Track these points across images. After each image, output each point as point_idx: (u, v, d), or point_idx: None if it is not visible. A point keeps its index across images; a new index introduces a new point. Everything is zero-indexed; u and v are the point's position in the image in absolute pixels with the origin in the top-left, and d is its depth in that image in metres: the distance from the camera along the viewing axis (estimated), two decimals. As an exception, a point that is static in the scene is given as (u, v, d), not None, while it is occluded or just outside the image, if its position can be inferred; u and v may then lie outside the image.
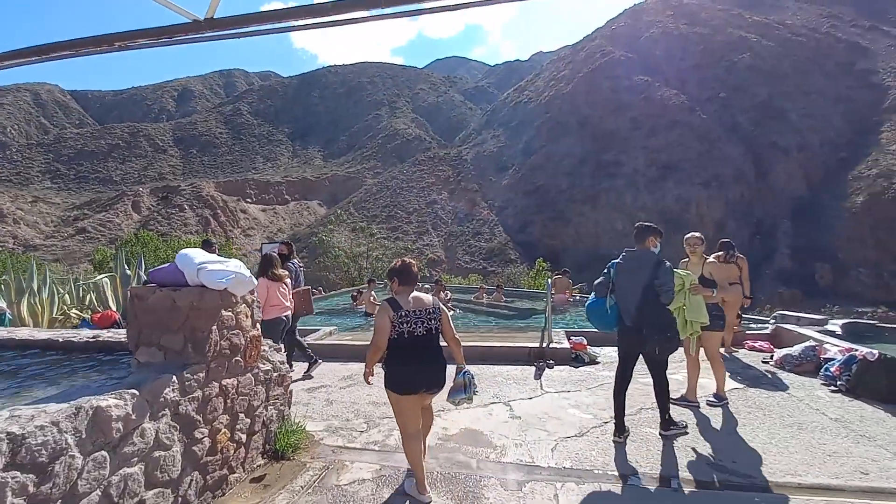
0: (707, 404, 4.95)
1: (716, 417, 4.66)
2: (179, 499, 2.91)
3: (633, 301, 4.04)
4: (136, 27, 3.99)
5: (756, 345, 7.22)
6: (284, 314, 6.01)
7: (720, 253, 6.30)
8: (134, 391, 2.62)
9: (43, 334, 4.57)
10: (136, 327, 3.23)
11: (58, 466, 2.20)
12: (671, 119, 78.94)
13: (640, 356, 4.19)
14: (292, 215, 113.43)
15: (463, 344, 7.17)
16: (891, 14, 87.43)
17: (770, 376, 5.94)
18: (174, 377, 2.92)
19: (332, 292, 20.80)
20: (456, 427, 4.50)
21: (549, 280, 8.90)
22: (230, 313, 3.44)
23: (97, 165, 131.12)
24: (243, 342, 3.57)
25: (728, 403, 4.94)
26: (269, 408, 3.95)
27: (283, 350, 4.46)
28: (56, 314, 8.36)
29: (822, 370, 5.73)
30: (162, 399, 2.81)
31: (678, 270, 4.38)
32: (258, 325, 3.83)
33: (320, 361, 6.66)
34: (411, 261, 3.42)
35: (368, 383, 3.40)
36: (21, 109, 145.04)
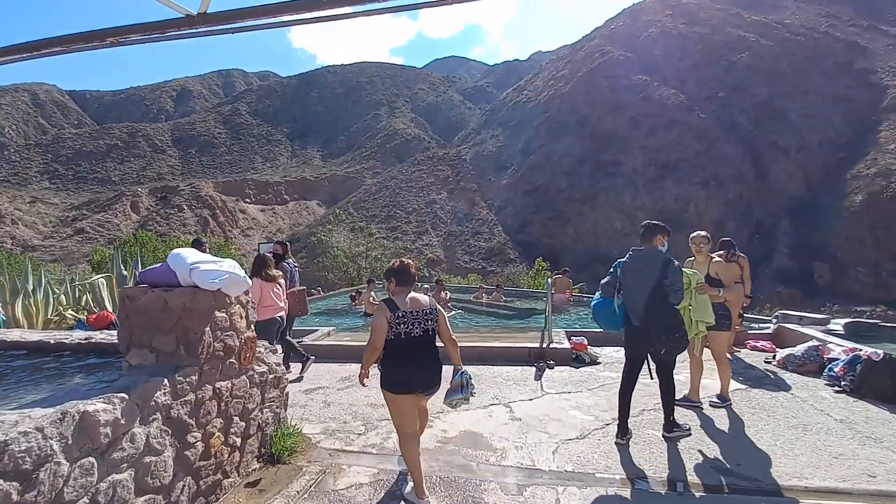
0: (710, 405, 4.88)
1: (719, 419, 4.59)
2: (171, 505, 2.84)
3: (640, 301, 3.97)
4: (129, 23, 3.91)
5: (758, 345, 7.16)
6: (279, 315, 5.94)
7: (721, 252, 6.23)
8: (123, 395, 2.54)
9: (34, 336, 4.49)
10: (127, 329, 3.15)
11: (43, 474, 2.12)
12: (670, 118, 78.94)
13: (648, 357, 4.12)
14: (291, 215, 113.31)
15: (462, 344, 7.11)
16: (889, 13, 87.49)
17: (773, 377, 5.88)
18: (165, 380, 2.84)
19: (330, 292, 20.73)
20: (455, 429, 4.43)
21: (549, 280, 8.83)
22: (224, 314, 3.36)
23: (95, 166, 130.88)
24: (238, 344, 3.49)
25: (731, 404, 4.87)
26: (265, 410, 3.87)
27: (280, 351, 4.39)
28: (51, 315, 8.27)
29: (825, 370, 5.66)
30: (153, 403, 2.73)
31: (685, 269, 4.32)
32: (253, 327, 3.76)
33: (312, 358, 6.58)
34: (409, 261, 3.39)
35: (363, 385, 3.37)
36: (19, 110, 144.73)
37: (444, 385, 3.45)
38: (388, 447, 4.07)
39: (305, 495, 3.31)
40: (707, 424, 4.45)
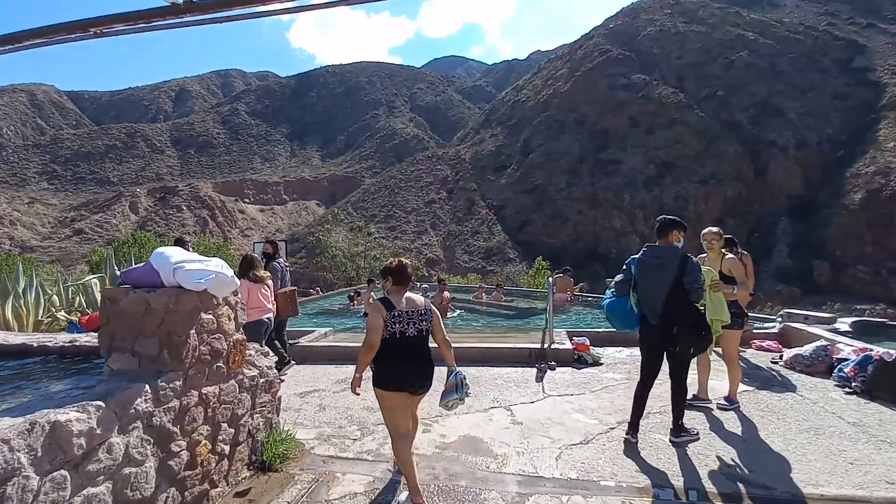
0: (718, 408, 4.73)
1: (728, 422, 4.43)
2: (153, 518, 2.68)
3: (658, 299, 3.81)
4: (113, 12, 3.75)
5: (764, 344, 7.01)
6: (266, 316, 5.79)
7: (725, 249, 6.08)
8: (99, 403, 2.38)
9: (18, 338, 4.33)
10: (107, 332, 2.99)
11: (10, 489, 1.96)
12: (669, 117, 78.76)
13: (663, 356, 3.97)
14: (290, 215, 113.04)
15: (462, 345, 7.02)
16: (887, 11, 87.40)
17: (780, 377, 5.73)
18: (147, 386, 2.68)
19: (329, 292, 20.58)
20: (454, 434, 4.27)
21: (550, 279, 8.68)
22: (211, 316, 3.20)
23: (94, 166, 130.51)
24: (225, 347, 3.33)
25: (739, 407, 4.72)
26: (256, 416, 3.71)
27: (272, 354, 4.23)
28: (43, 316, 8.11)
29: (835, 371, 5.51)
30: (132, 410, 2.57)
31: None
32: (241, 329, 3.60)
33: (293, 363, 6.46)
34: (406, 261, 3.39)
35: (356, 393, 3.25)
36: (17, 110, 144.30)
37: (438, 386, 3.39)
38: (385, 453, 3.91)
39: (297, 506, 3.16)
40: (715, 428, 4.30)
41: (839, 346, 5.89)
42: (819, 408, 4.71)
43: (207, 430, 3.14)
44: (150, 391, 2.69)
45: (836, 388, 5.24)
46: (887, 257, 53.50)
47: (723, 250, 4.97)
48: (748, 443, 3.98)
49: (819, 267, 58.47)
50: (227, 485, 3.33)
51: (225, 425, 3.32)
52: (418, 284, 20.00)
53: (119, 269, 9.68)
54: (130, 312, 2.95)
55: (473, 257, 75.53)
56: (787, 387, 5.37)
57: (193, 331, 3.01)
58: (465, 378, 3.37)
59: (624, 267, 4.11)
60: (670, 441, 3.97)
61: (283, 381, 6.11)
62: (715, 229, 4.98)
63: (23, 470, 2.02)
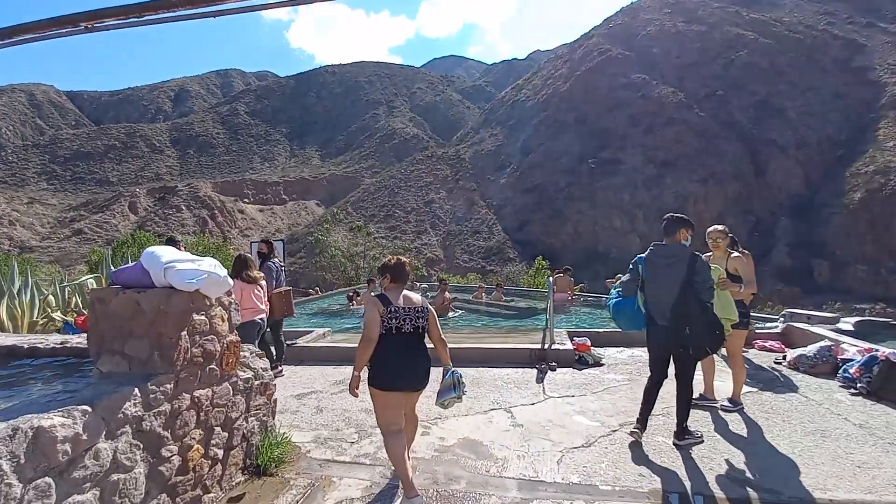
0: (721, 409, 4.65)
1: (732, 424, 4.35)
2: (143, 526, 2.60)
3: (668, 299, 3.73)
4: (104, 6, 3.67)
5: (766, 345, 6.93)
6: (259, 317, 5.72)
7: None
8: (86, 407, 2.30)
9: (8, 340, 4.25)
10: (97, 334, 2.91)
11: (-9, 497, 1.89)
12: (669, 116, 78.85)
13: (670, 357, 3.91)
14: (290, 215, 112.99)
15: (462, 345, 6.94)
16: (887, 11, 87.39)
17: (784, 378, 5.64)
18: (136, 389, 2.60)
19: (328, 292, 20.50)
20: (454, 437, 4.19)
21: (551, 279, 8.60)
22: (203, 317, 3.11)
23: (93, 166, 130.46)
24: (219, 349, 3.24)
25: (743, 408, 4.64)
26: (251, 419, 3.63)
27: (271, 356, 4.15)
28: (38, 317, 8.03)
29: (840, 372, 5.42)
30: (121, 415, 2.49)
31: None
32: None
33: (284, 373, 6.39)
34: (404, 259, 3.42)
35: (355, 395, 3.22)
36: (16, 110, 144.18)
37: (436, 386, 3.37)
38: (382, 457, 3.82)
39: (292, 512, 3.08)
40: (719, 430, 4.22)
41: (844, 346, 5.81)
42: (824, 409, 4.62)
43: (200, 434, 3.05)
44: (139, 395, 2.61)
45: (842, 390, 5.15)
46: (887, 256, 53.56)
47: (729, 249, 4.89)
48: (754, 445, 3.90)
49: (819, 266, 58.54)
50: (221, 490, 3.25)
51: (218, 429, 3.24)
52: (418, 284, 19.92)
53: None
54: (120, 314, 2.87)
55: (473, 257, 75.54)
56: (792, 388, 5.29)
57: (185, 332, 2.93)
58: (461, 377, 3.35)
59: (630, 266, 4.03)
60: (674, 444, 3.89)
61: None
62: (720, 227, 4.90)
63: (5, 477, 1.94)
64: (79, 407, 2.28)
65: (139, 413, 2.60)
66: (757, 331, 7.58)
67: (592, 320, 11.35)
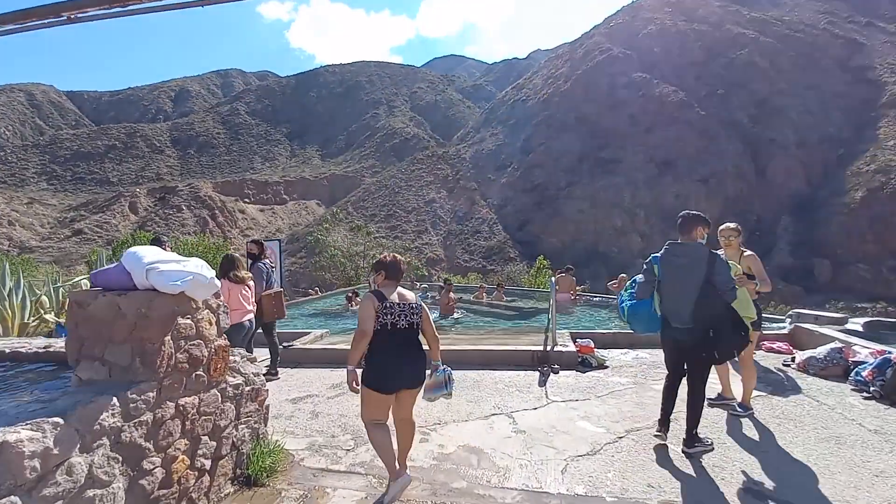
0: (731, 414, 4.49)
1: (743, 430, 4.19)
2: (123, 543, 2.44)
3: (686, 301, 3.57)
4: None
5: (774, 346, 6.77)
6: (246, 318, 5.57)
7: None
8: (58, 419, 2.14)
9: (-9, 344, 4.09)
10: (76, 339, 2.76)
11: (-50, 519, 1.74)
12: (669, 116, 78.50)
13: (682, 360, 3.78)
14: (291, 215, 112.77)
15: (462, 347, 6.78)
16: (886, 10, 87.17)
17: (794, 381, 5.48)
18: (115, 399, 2.44)
19: (328, 292, 20.36)
20: (453, 444, 4.04)
21: (553, 279, 8.44)
22: (189, 321, 2.95)
23: (94, 166, 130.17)
24: (206, 354, 3.09)
25: (753, 413, 4.48)
26: (241, 427, 3.48)
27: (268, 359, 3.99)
28: (29, 319, 7.87)
29: (851, 374, 5.26)
30: (98, 426, 2.33)
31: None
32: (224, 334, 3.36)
33: (279, 376, 6.27)
34: (399, 256, 3.44)
35: (354, 390, 3.15)
36: (15, 110, 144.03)
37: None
38: (378, 465, 3.66)
39: (283, 526, 2.92)
40: (730, 437, 4.06)
41: (855, 348, 5.65)
42: (837, 414, 4.47)
43: (185, 445, 2.90)
44: (118, 404, 2.45)
45: (854, 393, 4.99)
46: (888, 255, 53.33)
47: (742, 248, 4.74)
48: (766, 453, 3.74)
49: (820, 265, 58.29)
50: (209, 502, 3.09)
51: (205, 438, 3.09)
52: (418, 284, 19.77)
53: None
54: (100, 318, 2.71)
55: (474, 256, 75.32)
56: (802, 391, 5.13)
57: (169, 337, 2.78)
58: (451, 374, 3.38)
59: (645, 267, 3.86)
60: (683, 452, 3.73)
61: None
62: (733, 225, 4.74)
63: (-36, 498, 1.79)
64: (49, 419, 2.13)
65: (118, 424, 2.44)
66: (763, 332, 7.42)
67: (595, 321, 11.20)
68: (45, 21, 3.81)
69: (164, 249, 3.58)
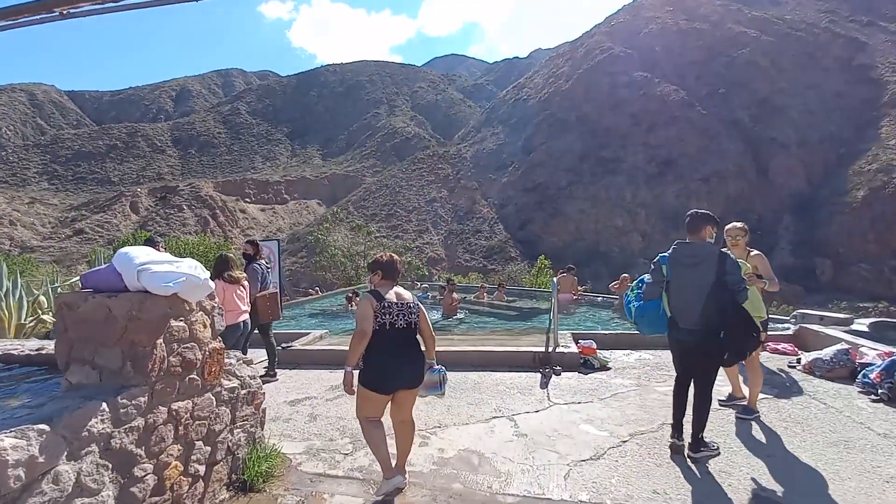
0: (737, 418, 4.41)
1: (749, 434, 4.10)
2: (112, 553, 2.37)
3: (696, 302, 3.49)
4: (79, -10, 3.44)
5: (779, 347, 6.68)
6: (241, 319, 5.50)
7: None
8: (43, 426, 2.07)
9: (-17, 346, 4.02)
10: (65, 342, 2.68)
11: (-72, 532, 1.66)
12: (671, 115, 78.36)
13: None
14: (291, 215, 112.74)
15: (463, 349, 6.70)
16: (887, 9, 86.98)
17: (799, 383, 5.39)
18: (104, 404, 2.37)
19: (328, 292, 20.29)
20: (453, 448, 3.96)
21: (554, 279, 8.36)
22: (182, 323, 2.88)
23: (95, 166, 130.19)
24: (200, 357, 3.01)
25: (759, 417, 4.40)
26: (236, 431, 3.40)
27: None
28: (26, 319, 7.80)
29: (858, 376, 5.17)
30: (86, 433, 2.25)
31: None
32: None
33: (278, 377, 6.20)
34: (396, 256, 3.46)
35: (350, 392, 3.14)
36: (16, 110, 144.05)
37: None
38: (376, 470, 3.57)
39: (278, 533, 2.84)
40: (736, 441, 3.97)
41: (862, 349, 5.56)
42: (845, 417, 4.38)
43: (179, 450, 2.82)
44: (108, 410, 2.38)
45: (861, 396, 4.90)
46: (889, 255, 53.21)
47: (748, 247, 4.66)
48: (773, 458, 3.66)
49: (821, 265, 58.19)
50: (203, 509, 3.02)
51: (200, 443, 3.01)
52: (418, 284, 19.68)
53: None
54: (90, 320, 2.64)
55: (475, 256, 75.24)
56: (809, 394, 5.04)
57: (161, 340, 2.70)
58: (445, 374, 3.42)
59: (652, 267, 3.78)
60: (688, 456, 3.64)
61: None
62: (740, 224, 4.66)
63: (-56, 509, 1.71)
64: (35, 426, 2.05)
65: (107, 430, 2.37)
66: (768, 332, 7.34)
67: (597, 321, 11.12)
68: (38, 17, 3.74)
69: (158, 250, 3.51)
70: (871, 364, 5.16)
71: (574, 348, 6.51)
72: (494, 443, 4.05)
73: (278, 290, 6.91)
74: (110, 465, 2.37)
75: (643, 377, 5.79)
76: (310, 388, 5.79)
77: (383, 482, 3.19)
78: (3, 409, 2.70)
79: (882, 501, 3.03)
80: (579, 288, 14.64)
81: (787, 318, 8.11)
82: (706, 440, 3.68)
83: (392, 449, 3.39)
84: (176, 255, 3.21)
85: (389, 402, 3.29)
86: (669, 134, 75.96)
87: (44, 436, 2.05)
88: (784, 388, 5.26)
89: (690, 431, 3.67)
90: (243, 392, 3.47)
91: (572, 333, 7.42)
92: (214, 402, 3.16)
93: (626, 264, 50.31)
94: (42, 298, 8.93)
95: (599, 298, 14.36)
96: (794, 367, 5.99)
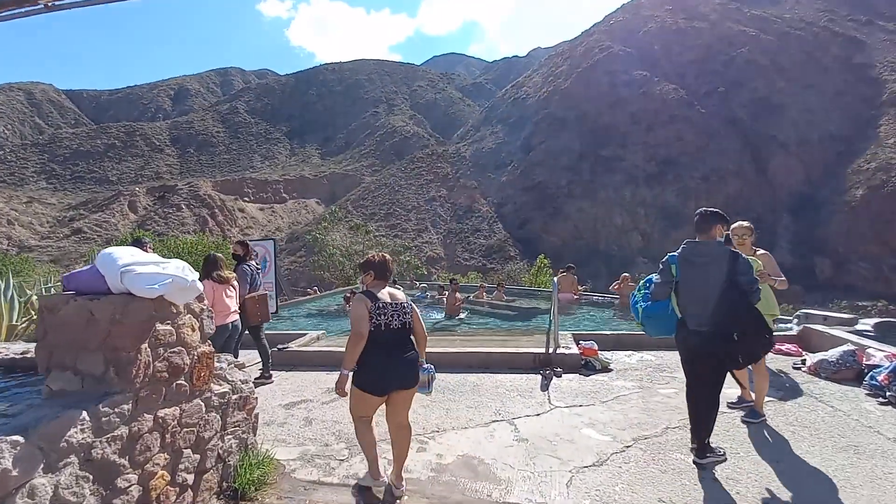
0: (742, 421, 4.30)
1: (755, 439, 4.00)
2: (94, 569, 2.25)
3: (707, 302, 3.37)
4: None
5: (783, 348, 6.57)
6: (230, 321, 5.38)
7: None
8: (17, 438, 1.96)
9: (-32, 349, 3.90)
10: (46, 347, 2.56)
11: None
12: (670, 114, 78.28)
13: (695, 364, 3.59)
14: (290, 214, 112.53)
15: (463, 350, 6.60)
16: (886, 9, 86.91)
17: (805, 386, 5.29)
18: (84, 413, 2.25)
19: (327, 292, 20.18)
20: (452, 454, 3.84)
21: (554, 279, 8.25)
22: (169, 327, 2.76)
23: (93, 165, 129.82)
24: (188, 361, 2.89)
25: (765, 420, 4.29)
26: (227, 438, 3.28)
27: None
28: (18, 320, 7.67)
29: (865, 379, 5.07)
30: (64, 444, 2.14)
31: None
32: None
33: (273, 379, 6.09)
34: (388, 256, 3.43)
35: (342, 394, 3.10)
36: (14, 109, 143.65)
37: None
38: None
39: (270, 545, 2.73)
40: (743, 446, 3.86)
41: (869, 350, 5.45)
42: (854, 421, 4.27)
43: (165, 459, 2.71)
44: (88, 418, 2.26)
45: (869, 398, 4.80)
46: (889, 254, 53.18)
47: (754, 247, 4.56)
48: (782, 463, 3.55)
49: (820, 264, 58.14)
50: (192, 519, 2.90)
51: (188, 451, 2.89)
52: (417, 284, 19.57)
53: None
54: (71, 324, 2.52)
55: (474, 255, 75.12)
56: (815, 396, 4.94)
57: (146, 345, 2.58)
58: (434, 374, 3.43)
59: (661, 267, 3.67)
60: (694, 462, 3.53)
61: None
62: (746, 223, 4.56)
63: None
64: (8, 438, 1.94)
65: (88, 439, 2.25)
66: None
67: (598, 322, 11.02)
68: (22, 10, 3.61)
69: (146, 251, 3.39)
70: (878, 366, 5.06)
71: (575, 349, 6.40)
72: (494, 448, 3.94)
73: (272, 291, 6.79)
74: (91, 477, 2.26)
75: (646, 379, 5.68)
76: (306, 391, 5.68)
77: (366, 476, 3.30)
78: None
79: (896, 510, 2.93)
80: (580, 287, 14.52)
81: (789, 317, 8.00)
82: (712, 445, 3.57)
83: (388, 455, 3.33)
84: (174, 255, 3.11)
85: (385, 405, 3.25)
86: (668, 133, 75.87)
87: (17, 448, 1.94)
88: (789, 390, 5.15)
89: (693, 436, 3.56)
90: (234, 397, 3.36)
91: (573, 334, 7.32)
92: (204, 409, 3.04)
93: (626, 263, 50.26)
94: (35, 299, 8.81)
95: (598, 299, 14.25)
96: (798, 368, 5.88)
